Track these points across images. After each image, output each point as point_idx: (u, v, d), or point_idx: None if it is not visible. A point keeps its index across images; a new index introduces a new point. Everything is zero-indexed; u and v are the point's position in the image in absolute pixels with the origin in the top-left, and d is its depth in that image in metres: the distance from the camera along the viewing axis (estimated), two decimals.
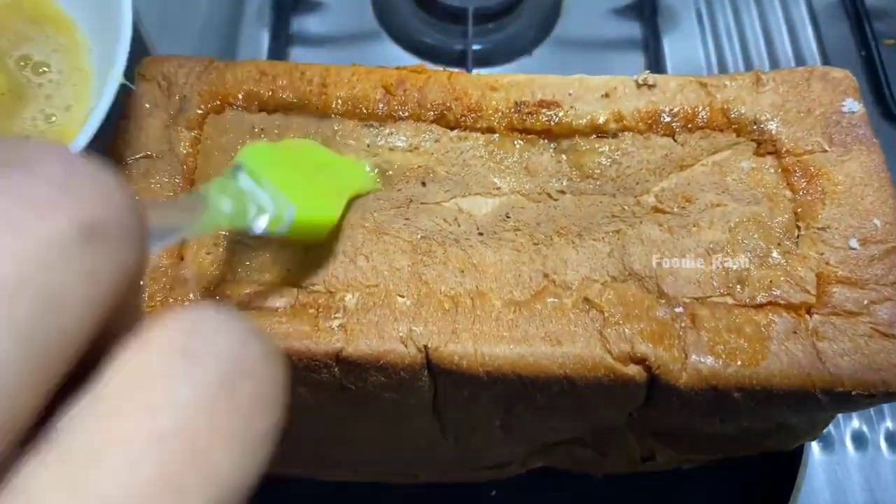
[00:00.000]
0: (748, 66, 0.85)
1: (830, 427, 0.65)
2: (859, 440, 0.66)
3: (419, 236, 0.43)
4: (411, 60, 0.86)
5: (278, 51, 0.88)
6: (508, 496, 0.62)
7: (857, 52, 0.84)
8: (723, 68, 0.86)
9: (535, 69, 0.85)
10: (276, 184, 0.36)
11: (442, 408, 0.43)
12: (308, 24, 0.90)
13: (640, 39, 0.89)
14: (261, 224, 0.34)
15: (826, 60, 0.84)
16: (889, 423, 0.66)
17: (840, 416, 0.66)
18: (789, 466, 0.58)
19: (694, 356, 0.39)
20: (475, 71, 0.82)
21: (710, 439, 0.49)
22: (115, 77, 0.39)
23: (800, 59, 0.84)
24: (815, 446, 0.65)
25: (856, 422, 0.67)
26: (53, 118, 0.48)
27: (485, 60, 0.84)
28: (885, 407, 0.68)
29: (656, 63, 0.86)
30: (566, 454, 0.53)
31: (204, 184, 0.43)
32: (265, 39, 0.89)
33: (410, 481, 0.55)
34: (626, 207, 0.44)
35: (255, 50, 0.88)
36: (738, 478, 0.60)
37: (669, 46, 0.88)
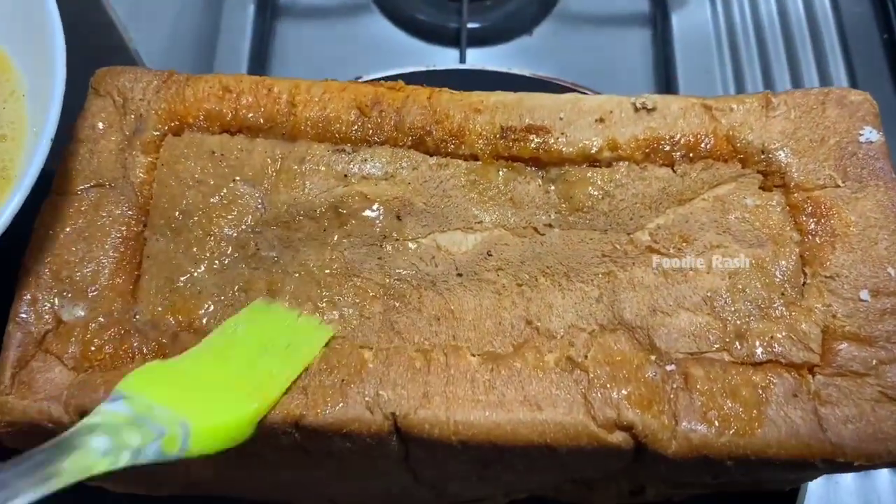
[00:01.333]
0: (761, 46, 0.80)
1: None
2: None
3: (393, 279, 0.40)
4: (402, 37, 0.81)
5: (263, 25, 0.83)
6: None
7: (878, 35, 0.79)
8: (733, 46, 0.81)
9: (534, 49, 0.80)
10: (168, 400, 0.32)
11: (415, 465, 0.40)
12: None
13: (648, 14, 0.84)
14: (151, 450, 0.31)
15: (844, 43, 0.79)
16: None
17: None
18: (788, 489, 0.56)
19: (685, 423, 0.36)
20: (469, 51, 0.78)
21: (703, 483, 0.46)
22: (46, 139, 0.35)
23: (817, 43, 0.79)
24: None
25: None
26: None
27: (480, 40, 0.79)
28: None
29: (663, 40, 0.81)
30: (551, 487, 0.50)
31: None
32: (250, 11, 0.84)
33: None
34: (618, 246, 0.41)
35: (238, 24, 0.83)
36: (736, 501, 0.58)
37: (678, 22, 0.82)
